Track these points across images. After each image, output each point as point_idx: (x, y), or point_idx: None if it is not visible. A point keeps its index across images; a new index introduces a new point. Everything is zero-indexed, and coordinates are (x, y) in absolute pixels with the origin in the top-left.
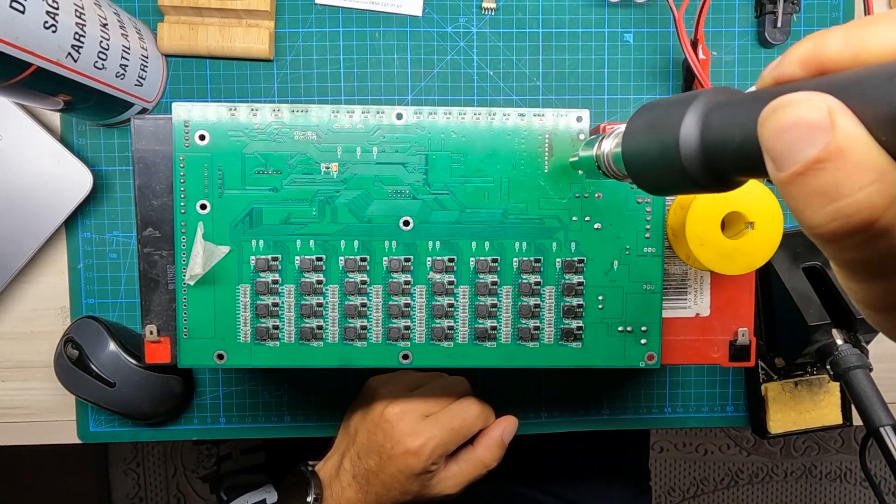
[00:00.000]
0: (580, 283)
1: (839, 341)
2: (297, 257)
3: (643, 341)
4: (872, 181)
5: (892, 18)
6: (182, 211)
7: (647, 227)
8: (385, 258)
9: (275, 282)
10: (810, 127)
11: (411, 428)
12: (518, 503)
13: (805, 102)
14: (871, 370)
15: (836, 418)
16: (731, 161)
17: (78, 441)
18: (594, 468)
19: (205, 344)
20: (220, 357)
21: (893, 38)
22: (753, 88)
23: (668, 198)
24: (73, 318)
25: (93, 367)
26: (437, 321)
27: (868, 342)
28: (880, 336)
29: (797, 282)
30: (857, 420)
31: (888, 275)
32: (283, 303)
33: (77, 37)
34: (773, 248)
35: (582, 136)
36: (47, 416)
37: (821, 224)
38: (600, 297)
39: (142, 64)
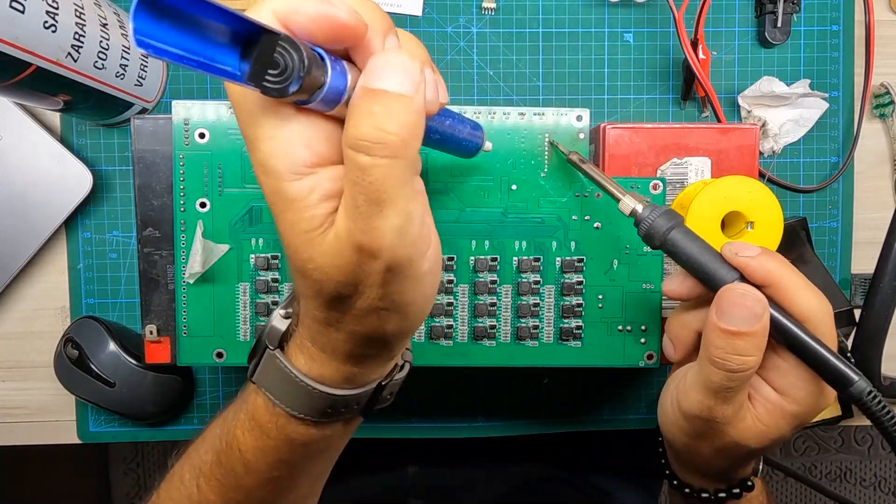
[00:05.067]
0: (580, 283)
1: (639, 207)
2: None
3: (643, 340)
4: (760, 352)
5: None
6: (182, 209)
7: None
8: None
9: (274, 280)
10: (754, 312)
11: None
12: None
13: (762, 298)
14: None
15: (833, 411)
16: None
17: (78, 441)
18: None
19: (204, 342)
20: (220, 356)
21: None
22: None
23: (668, 197)
24: (73, 318)
25: (93, 367)
26: (437, 320)
27: (847, 336)
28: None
29: None
30: (858, 417)
31: (727, 399)
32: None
33: (77, 37)
34: (773, 247)
35: (582, 136)
36: (47, 416)
37: (726, 362)
38: (600, 297)
39: (142, 64)
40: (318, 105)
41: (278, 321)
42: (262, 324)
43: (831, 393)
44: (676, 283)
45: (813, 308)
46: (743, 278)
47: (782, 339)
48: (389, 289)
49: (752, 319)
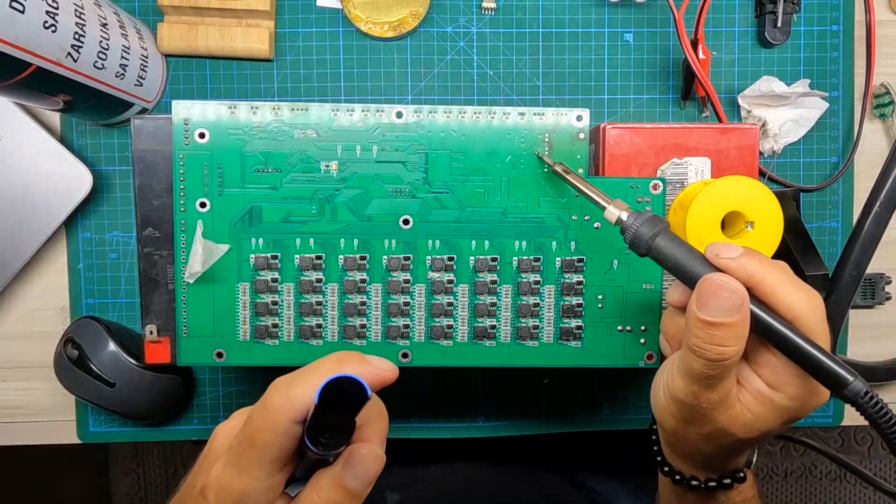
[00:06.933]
0: (580, 283)
1: (623, 215)
2: (297, 255)
3: (642, 341)
4: (740, 343)
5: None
6: (182, 209)
7: None
8: (385, 257)
9: (274, 280)
10: (732, 303)
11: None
12: (544, 492)
13: (741, 289)
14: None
15: None
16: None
17: (78, 441)
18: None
19: (204, 342)
20: (220, 355)
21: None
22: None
23: (668, 197)
24: (73, 318)
25: (93, 367)
26: (437, 320)
27: None
28: (885, 334)
29: None
30: (858, 417)
31: (711, 387)
32: (282, 301)
33: (77, 37)
34: (774, 247)
35: (582, 136)
36: (47, 416)
37: (704, 351)
38: (600, 297)
39: (142, 64)
40: (316, 455)
41: None
42: (262, 323)
43: (825, 391)
44: (678, 292)
45: (800, 306)
46: None
47: (771, 340)
48: None
49: (730, 310)
